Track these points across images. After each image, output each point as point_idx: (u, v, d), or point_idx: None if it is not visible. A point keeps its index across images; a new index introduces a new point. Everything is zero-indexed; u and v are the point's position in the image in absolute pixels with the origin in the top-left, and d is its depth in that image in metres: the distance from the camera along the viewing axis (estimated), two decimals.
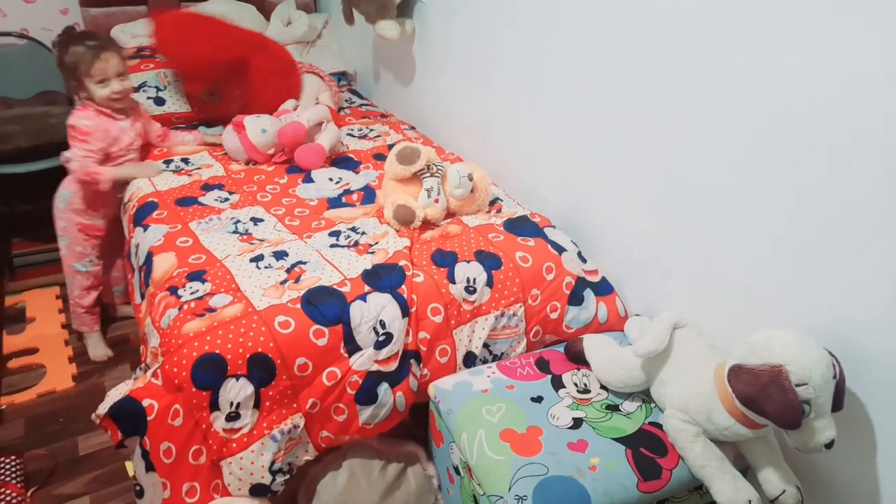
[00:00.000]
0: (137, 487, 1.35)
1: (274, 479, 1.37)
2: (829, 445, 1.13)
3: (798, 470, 1.29)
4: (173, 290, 1.50)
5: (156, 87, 2.46)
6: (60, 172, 2.14)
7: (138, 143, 2.12)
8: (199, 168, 2.13)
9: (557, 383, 1.47)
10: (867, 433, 1.22)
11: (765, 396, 1.12)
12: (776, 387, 1.11)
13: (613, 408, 1.41)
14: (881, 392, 1.19)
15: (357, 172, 2.14)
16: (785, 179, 1.25)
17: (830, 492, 1.32)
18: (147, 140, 2.20)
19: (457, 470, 1.39)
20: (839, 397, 1.15)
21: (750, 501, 1.21)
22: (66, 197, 2.06)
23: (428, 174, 1.81)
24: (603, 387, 1.47)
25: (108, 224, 2.16)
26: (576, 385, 1.47)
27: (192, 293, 1.48)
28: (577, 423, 1.36)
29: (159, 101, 2.43)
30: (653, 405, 1.42)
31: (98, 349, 2.24)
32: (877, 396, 1.20)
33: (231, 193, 1.97)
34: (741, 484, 1.23)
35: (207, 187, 2.00)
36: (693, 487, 1.31)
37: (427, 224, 1.80)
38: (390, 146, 2.29)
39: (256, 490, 1.36)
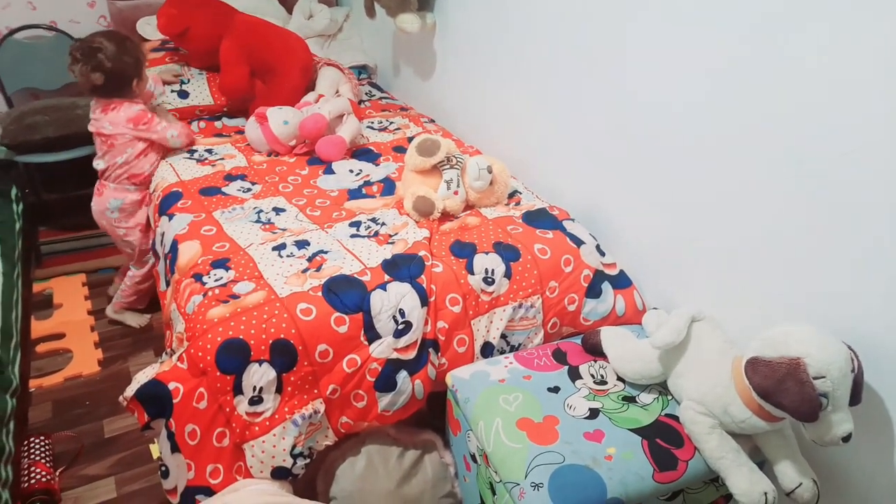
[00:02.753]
0: (163, 468, 1.38)
1: (295, 463, 1.40)
2: (846, 439, 1.14)
3: (815, 463, 1.29)
4: (198, 277, 1.53)
5: (180, 80, 2.50)
6: (87, 163, 2.18)
7: None
8: (222, 158, 2.17)
9: (574, 374, 1.48)
10: (885, 427, 1.22)
11: (782, 389, 1.12)
12: (794, 380, 1.11)
13: (630, 399, 1.42)
14: None
15: (377, 164, 2.16)
16: (804, 176, 1.25)
17: (847, 485, 1.32)
18: None
19: (473, 458, 1.41)
20: (857, 391, 1.15)
21: (765, 494, 1.21)
22: (117, 205, 2.11)
23: (448, 166, 1.83)
24: (620, 378, 1.48)
25: None
26: (593, 376, 1.48)
27: (216, 280, 1.51)
28: (594, 413, 1.37)
29: (183, 95, 2.46)
30: (669, 397, 1.42)
31: (140, 318, 2.35)
32: (895, 390, 1.20)
33: (253, 184, 2.01)
34: (757, 476, 1.24)
35: (230, 178, 2.03)
36: (709, 479, 1.31)
37: (446, 216, 1.82)
38: (410, 139, 2.31)
39: (278, 473, 1.39)
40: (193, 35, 2.42)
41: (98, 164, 2.10)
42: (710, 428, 1.27)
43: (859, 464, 1.29)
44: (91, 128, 2.06)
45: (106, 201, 2.11)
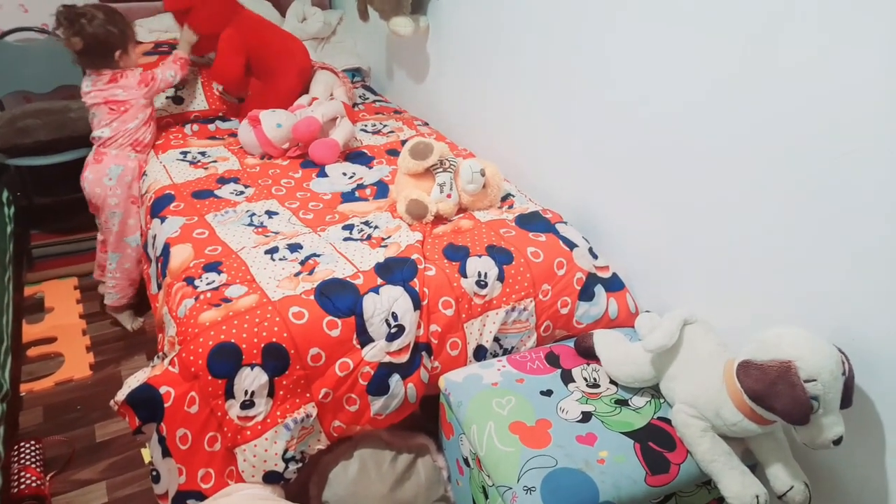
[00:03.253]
0: (154, 472, 1.37)
1: (287, 467, 1.39)
2: (837, 442, 1.14)
3: (806, 466, 1.30)
4: (190, 281, 1.53)
5: (174, 85, 2.49)
6: (80, 165, 2.18)
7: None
8: (215, 161, 2.16)
9: (567, 377, 1.49)
10: (876, 430, 1.23)
11: (773, 392, 1.13)
12: (785, 383, 1.12)
13: (622, 402, 1.42)
14: (890, 389, 1.19)
15: (370, 167, 2.16)
16: (797, 180, 1.26)
17: (839, 488, 1.33)
18: None
19: (466, 461, 1.41)
20: (848, 394, 1.15)
21: (757, 497, 1.22)
22: (117, 172, 2.12)
23: (441, 169, 1.83)
24: (612, 381, 1.48)
25: None
26: (585, 379, 1.48)
27: (208, 284, 1.51)
28: (587, 416, 1.37)
29: (178, 100, 2.46)
30: (662, 400, 1.43)
31: (134, 321, 2.36)
32: (886, 393, 1.20)
33: (246, 187, 2.00)
34: (749, 479, 1.24)
35: (223, 180, 2.03)
36: (701, 482, 1.32)
37: (439, 219, 1.82)
38: (403, 142, 2.31)
39: (270, 477, 1.38)
40: (197, 16, 2.37)
41: (102, 133, 2.12)
42: (703, 431, 1.27)
43: (851, 466, 1.30)
44: (94, 99, 2.10)
45: (106, 167, 2.12)
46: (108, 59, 2.07)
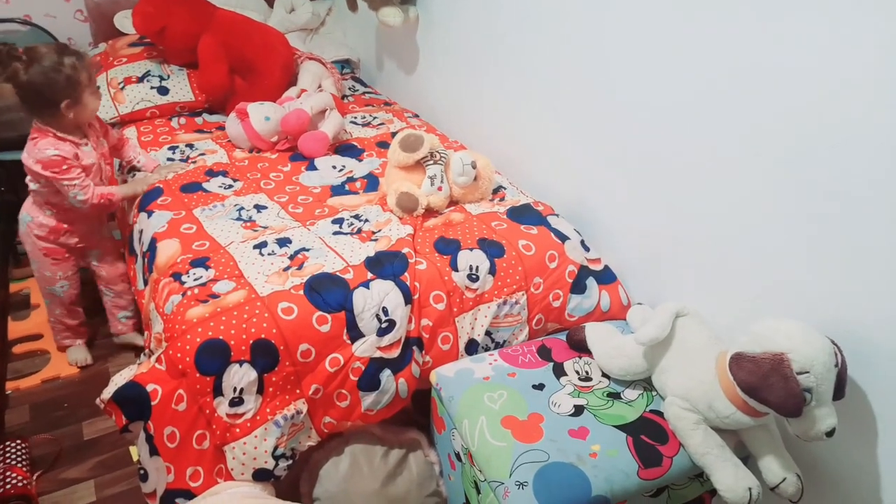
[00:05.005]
0: (141, 471, 1.36)
1: (277, 465, 1.38)
2: (830, 433, 1.14)
3: (799, 458, 1.29)
4: (177, 277, 1.50)
5: (159, 76, 2.46)
6: None
7: (105, 167, 1.91)
8: (203, 154, 2.13)
9: (559, 371, 1.48)
10: (869, 422, 1.22)
11: (766, 385, 1.12)
12: (778, 375, 1.11)
13: (615, 395, 1.42)
14: (883, 381, 1.19)
15: (360, 160, 2.14)
16: (789, 173, 1.25)
17: (831, 480, 1.33)
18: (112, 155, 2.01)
19: (458, 456, 1.40)
20: (841, 386, 1.15)
21: (750, 489, 1.21)
22: (27, 220, 1.88)
23: (431, 162, 1.81)
24: (604, 375, 1.47)
25: (99, 247, 2.02)
26: (577, 373, 1.48)
27: (195, 279, 1.49)
28: (579, 410, 1.36)
29: (163, 91, 2.42)
30: (654, 393, 1.42)
31: (78, 353, 2.13)
32: (879, 385, 1.20)
33: (235, 180, 1.98)
34: (742, 472, 1.23)
35: (212, 173, 2.00)
36: (693, 475, 1.31)
37: (430, 212, 1.80)
38: (394, 134, 2.29)
39: (259, 475, 1.37)
40: (171, 33, 2.38)
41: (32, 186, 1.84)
42: (695, 424, 1.27)
43: (843, 458, 1.30)
44: None
45: (22, 211, 1.89)
46: (50, 112, 1.70)
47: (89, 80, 1.74)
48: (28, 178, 1.83)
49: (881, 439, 1.22)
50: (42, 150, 1.71)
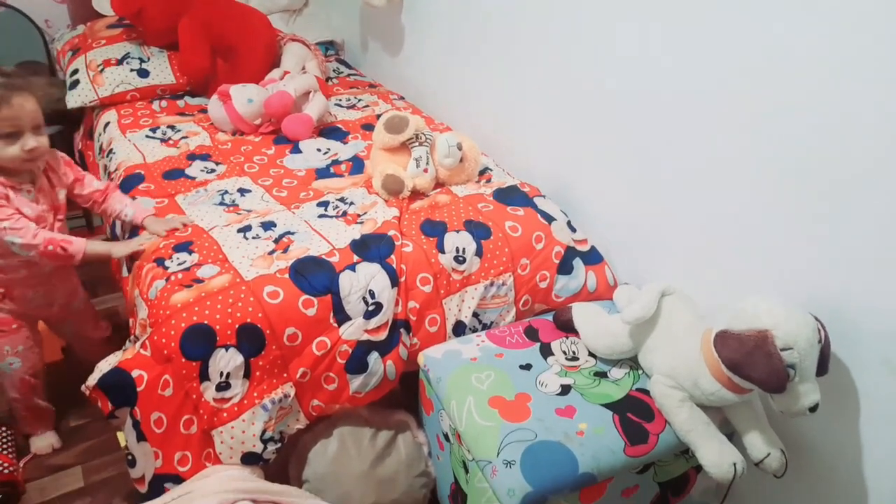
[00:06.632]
0: (129, 457, 1.35)
1: (265, 448, 1.37)
2: (813, 409, 1.15)
3: (783, 434, 1.31)
4: (160, 262, 1.49)
5: (139, 58, 2.41)
6: (52, 143, 2.07)
7: (51, 219, 1.55)
8: (185, 137, 2.10)
9: (546, 351, 1.48)
10: (851, 397, 1.24)
11: (750, 362, 1.13)
12: (761, 352, 1.12)
13: (601, 374, 1.42)
14: (865, 357, 1.20)
15: (345, 143, 2.12)
16: (772, 151, 1.25)
17: (815, 455, 1.35)
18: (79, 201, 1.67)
19: (446, 437, 1.41)
20: (824, 362, 1.17)
21: (735, 465, 1.23)
22: None
23: (417, 143, 1.80)
24: (591, 354, 1.48)
25: (72, 318, 1.75)
26: (564, 353, 1.48)
27: (179, 264, 1.47)
28: (566, 389, 1.37)
29: (143, 73, 2.38)
30: (640, 372, 1.43)
31: (42, 442, 1.77)
32: (861, 361, 1.21)
33: (218, 164, 1.95)
34: (726, 448, 1.25)
35: (193, 157, 1.97)
36: (679, 451, 1.33)
37: (416, 194, 1.79)
38: (379, 116, 2.26)
39: (248, 459, 1.37)
40: (149, 14, 2.34)
41: None
42: (681, 401, 1.28)
43: (826, 433, 1.32)
44: None
45: None
46: None
47: (30, 114, 1.44)
48: None
49: (863, 415, 1.24)
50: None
